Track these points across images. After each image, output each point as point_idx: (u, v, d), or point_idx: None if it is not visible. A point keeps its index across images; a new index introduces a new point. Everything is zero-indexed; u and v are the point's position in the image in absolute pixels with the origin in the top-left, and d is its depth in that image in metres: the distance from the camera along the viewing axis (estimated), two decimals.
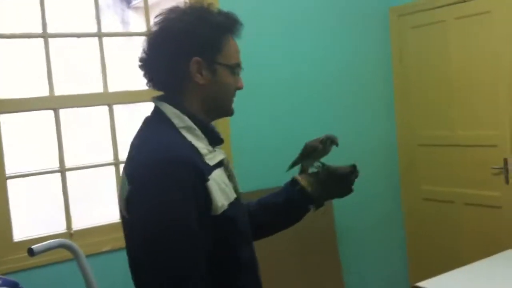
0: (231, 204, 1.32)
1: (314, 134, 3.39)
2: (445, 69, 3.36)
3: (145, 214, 1.24)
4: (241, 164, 2.89)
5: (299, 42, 3.28)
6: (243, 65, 1.43)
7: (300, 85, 3.28)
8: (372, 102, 3.62)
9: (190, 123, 1.33)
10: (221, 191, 1.30)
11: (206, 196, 1.26)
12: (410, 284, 3.42)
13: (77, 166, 2.68)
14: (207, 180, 1.27)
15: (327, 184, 1.60)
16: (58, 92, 2.60)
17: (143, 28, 2.88)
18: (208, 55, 1.35)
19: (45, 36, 2.57)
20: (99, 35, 2.72)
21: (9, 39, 2.60)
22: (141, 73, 1.41)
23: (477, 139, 3.22)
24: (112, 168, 2.75)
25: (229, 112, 1.45)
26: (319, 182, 1.59)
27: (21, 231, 2.49)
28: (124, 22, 3.28)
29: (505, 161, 3.07)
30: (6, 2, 2.59)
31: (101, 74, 2.73)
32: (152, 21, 1.41)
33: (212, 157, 1.34)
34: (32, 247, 1.94)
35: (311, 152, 1.65)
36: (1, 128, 2.45)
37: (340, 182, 1.62)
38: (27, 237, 2.48)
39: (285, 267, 2.98)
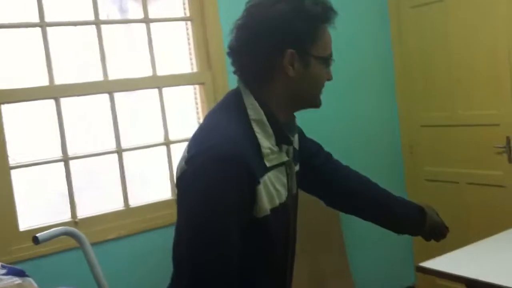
0: (274, 210, 1.31)
1: (313, 116, 3.38)
2: (445, 49, 3.33)
3: (188, 203, 1.26)
4: None
5: None
6: None
7: None
8: (373, 83, 3.61)
9: (263, 117, 1.32)
10: (268, 195, 1.29)
11: (252, 198, 1.26)
12: (415, 264, 3.43)
13: (80, 155, 2.68)
14: (258, 183, 1.26)
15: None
16: (58, 81, 2.60)
17: (141, 15, 2.88)
18: (303, 48, 1.32)
19: (42, 25, 2.56)
20: (97, 22, 2.71)
21: (7, 29, 2.58)
22: (230, 60, 1.38)
23: (479, 118, 3.21)
24: (115, 156, 2.75)
25: (317, 104, 1.42)
26: None
27: (26, 221, 2.50)
28: (122, 10, 3.26)
29: (508, 140, 3.06)
30: None
31: (101, 63, 2.72)
32: (245, 5, 1.37)
33: (274, 158, 1.33)
34: (37, 235, 1.95)
35: None
36: (3, 119, 2.46)
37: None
38: (32, 226, 2.49)
39: None
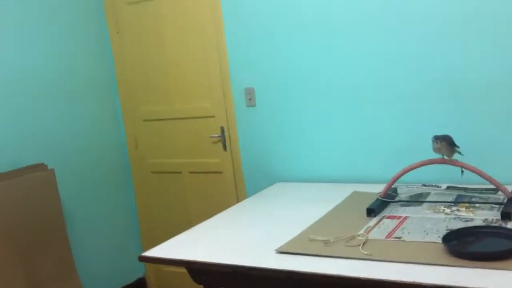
0: None
1: (33, 124, 3.16)
2: (161, 45, 3.44)
3: None
4: None
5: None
6: None
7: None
8: (94, 83, 3.57)
9: None
10: None
11: None
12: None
13: None
14: None
15: None
16: None
17: None
18: None
19: None
20: None
21: None
22: None
23: (195, 111, 3.40)
24: None
25: None
26: None
27: None
28: None
29: (222, 129, 3.32)
30: None
31: None
32: None
33: None
34: None
35: None
36: None
37: None
38: None
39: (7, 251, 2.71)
